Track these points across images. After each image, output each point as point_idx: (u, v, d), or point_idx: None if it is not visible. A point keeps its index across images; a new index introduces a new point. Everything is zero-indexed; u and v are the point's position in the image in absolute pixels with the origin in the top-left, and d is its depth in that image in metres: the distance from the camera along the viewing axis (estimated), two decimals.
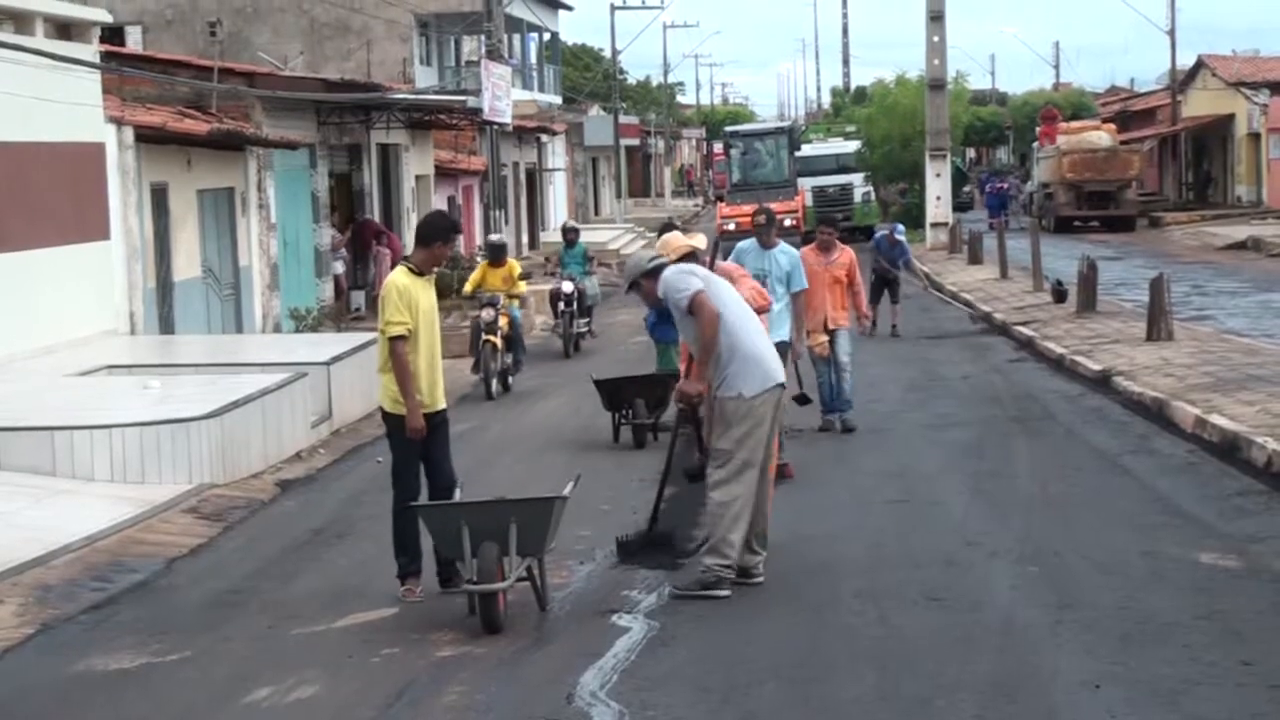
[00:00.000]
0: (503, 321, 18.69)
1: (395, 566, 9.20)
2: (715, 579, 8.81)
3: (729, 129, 53.07)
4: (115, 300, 18.16)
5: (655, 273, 9.28)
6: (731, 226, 35.73)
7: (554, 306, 23.27)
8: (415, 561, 9.16)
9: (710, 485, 8.96)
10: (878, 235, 25.21)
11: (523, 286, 19.92)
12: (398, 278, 9.21)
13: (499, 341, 18.54)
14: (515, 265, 19.97)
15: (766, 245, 13.28)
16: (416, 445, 9.18)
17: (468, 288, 19.95)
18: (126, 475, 12.27)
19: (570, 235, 24.83)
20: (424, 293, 9.20)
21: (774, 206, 17.33)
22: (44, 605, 9.14)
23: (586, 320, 23.66)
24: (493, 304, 18.75)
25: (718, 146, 65.62)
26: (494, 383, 18.39)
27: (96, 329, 17.57)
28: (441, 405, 9.33)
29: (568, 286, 22.89)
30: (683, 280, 9.16)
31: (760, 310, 10.25)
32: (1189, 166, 63.02)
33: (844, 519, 10.84)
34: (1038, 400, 16.25)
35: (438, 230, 9.37)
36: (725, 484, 8.91)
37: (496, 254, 19.79)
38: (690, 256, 10.49)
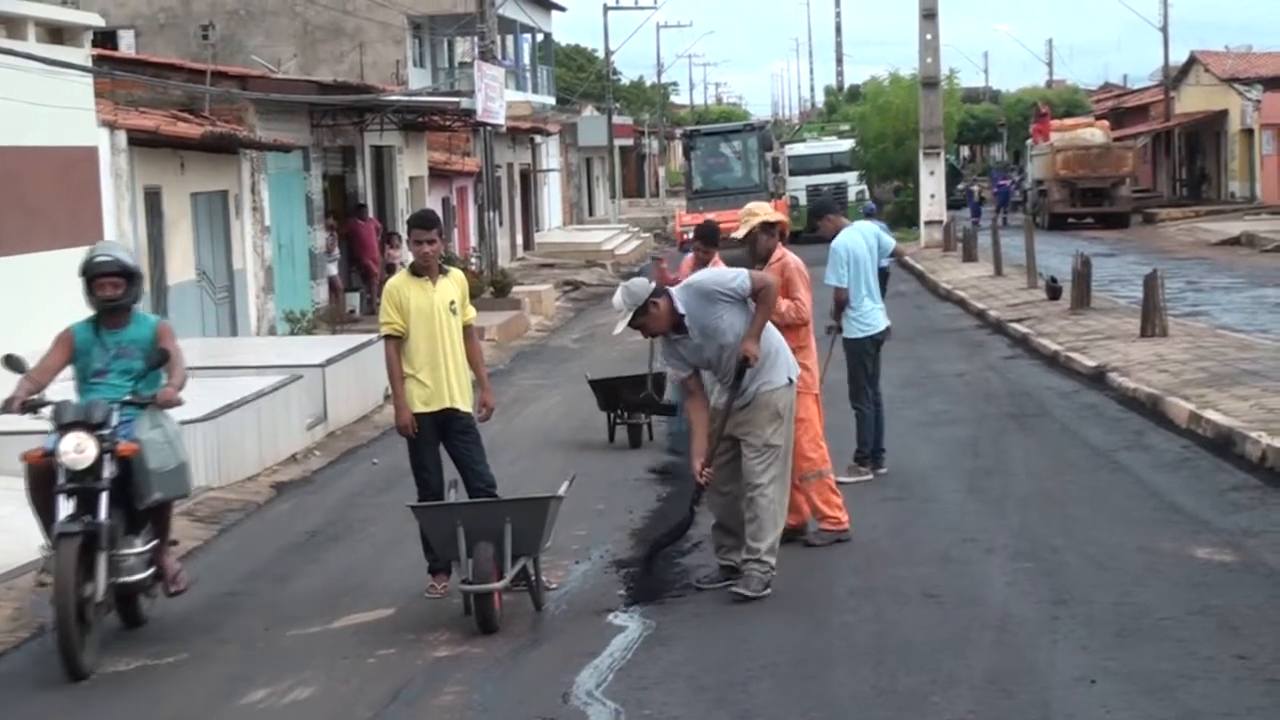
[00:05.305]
0: None
1: (390, 568, 9.22)
2: (771, 575, 8.71)
3: (689, 128, 51.06)
4: None
5: (661, 294, 8.78)
6: (691, 234, 33.92)
7: (38, 503, 8.26)
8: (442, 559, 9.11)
9: (766, 483, 8.74)
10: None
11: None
12: (393, 278, 9.47)
13: None
14: None
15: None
16: (420, 444, 9.20)
17: None
18: None
19: (110, 287, 8.47)
20: (418, 292, 9.20)
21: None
22: (40, 609, 9.13)
23: (147, 544, 8.50)
24: None
25: None
26: None
27: None
28: (456, 406, 9.23)
29: (75, 449, 8.07)
30: (726, 272, 9.16)
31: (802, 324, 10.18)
32: (1183, 163, 63.10)
33: None
34: (1033, 397, 16.25)
35: (409, 225, 9.52)
36: (778, 480, 8.83)
37: None
38: (770, 226, 10.33)
